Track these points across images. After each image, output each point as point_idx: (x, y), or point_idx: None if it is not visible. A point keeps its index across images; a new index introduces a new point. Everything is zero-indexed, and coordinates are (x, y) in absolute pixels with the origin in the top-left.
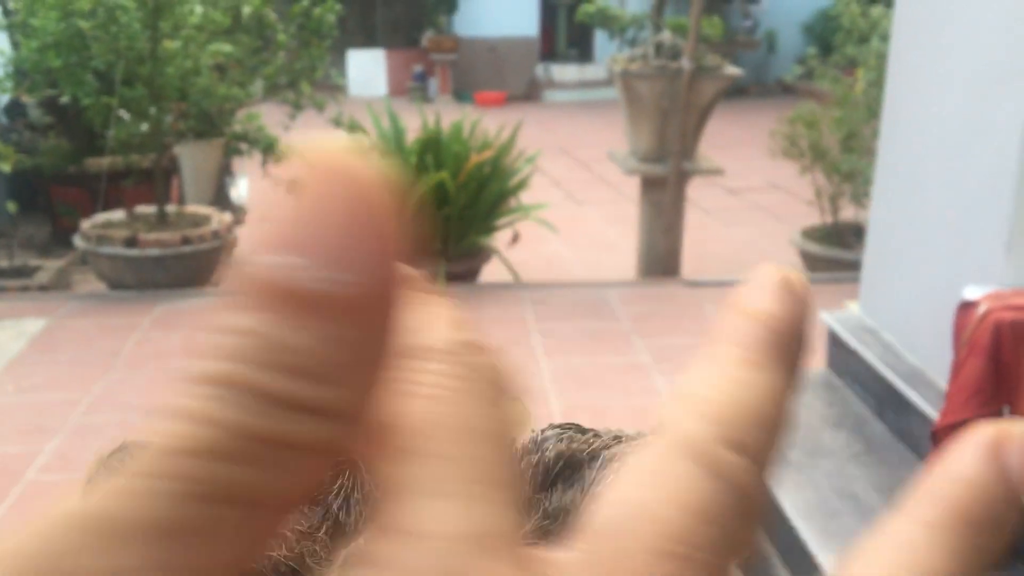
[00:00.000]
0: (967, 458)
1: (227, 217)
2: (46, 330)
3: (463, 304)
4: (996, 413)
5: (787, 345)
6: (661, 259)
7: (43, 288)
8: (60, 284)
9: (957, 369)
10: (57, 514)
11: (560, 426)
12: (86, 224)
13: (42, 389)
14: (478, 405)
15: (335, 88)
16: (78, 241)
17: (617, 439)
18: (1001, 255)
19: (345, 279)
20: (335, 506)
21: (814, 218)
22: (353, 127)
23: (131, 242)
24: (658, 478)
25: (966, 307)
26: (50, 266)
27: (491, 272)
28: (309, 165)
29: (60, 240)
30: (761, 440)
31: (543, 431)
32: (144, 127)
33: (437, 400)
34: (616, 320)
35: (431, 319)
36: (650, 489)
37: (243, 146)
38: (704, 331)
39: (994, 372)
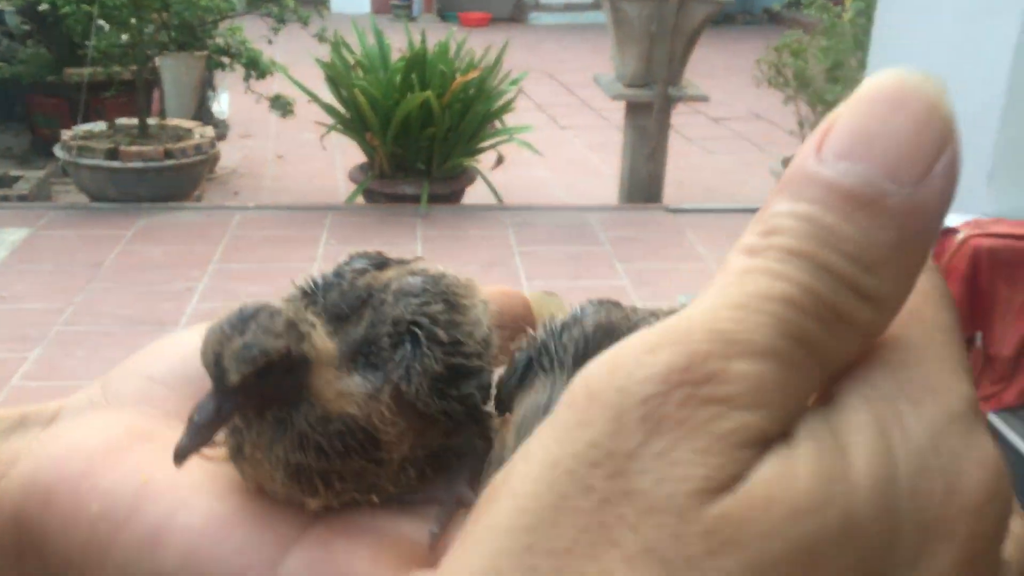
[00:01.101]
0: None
1: (209, 131)
2: (27, 240)
3: (446, 225)
4: (969, 339)
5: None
6: (643, 185)
7: (23, 198)
8: (41, 195)
9: None
10: None
11: (599, 301)
12: (67, 135)
13: (25, 298)
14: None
15: (318, 2)
16: (59, 152)
17: (654, 315)
18: (983, 184)
19: (898, 190)
20: (396, 375)
21: (795, 148)
22: (338, 43)
23: (112, 154)
24: None
25: (946, 234)
26: (30, 176)
27: (475, 194)
28: (880, 83)
29: (39, 151)
30: None
31: (582, 306)
32: (125, 37)
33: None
34: (598, 244)
35: None
36: None
37: (225, 60)
38: (684, 257)
39: (969, 298)
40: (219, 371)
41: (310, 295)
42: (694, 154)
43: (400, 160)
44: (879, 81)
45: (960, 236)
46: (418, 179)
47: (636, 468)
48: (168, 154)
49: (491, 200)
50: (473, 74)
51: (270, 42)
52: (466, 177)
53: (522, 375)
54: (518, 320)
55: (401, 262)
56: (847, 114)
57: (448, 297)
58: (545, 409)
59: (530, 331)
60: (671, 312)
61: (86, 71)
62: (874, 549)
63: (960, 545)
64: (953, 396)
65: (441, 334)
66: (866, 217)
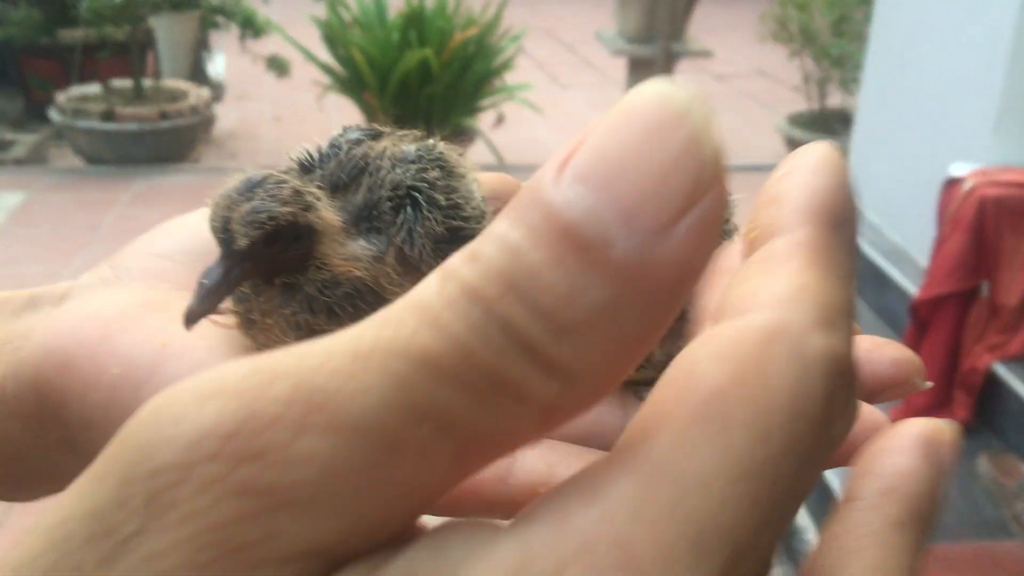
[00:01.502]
0: (906, 455)
1: (205, 92)
2: (24, 204)
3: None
4: (975, 287)
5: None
6: None
7: (19, 162)
8: (36, 158)
9: (940, 244)
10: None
11: None
12: (61, 97)
13: (22, 261)
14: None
15: None
16: (53, 114)
17: None
18: (989, 133)
19: (627, 239)
20: (399, 239)
21: (800, 105)
22: (335, 1)
23: (108, 116)
24: None
25: (952, 184)
26: (25, 140)
27: (475, 154)
28: (638, 98)
29: (34, 114)
30: None
31: None
32: None
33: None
34: None
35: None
36: None
37: (220, 19)
38: None
39: (976, 247)
40: (227, 236)
41: (308, 167)
42: None
43: (399, 119)
44: (637, 96)
45: (967, 186)
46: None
47: (122, 566)
48: (164, 116)
49: (492, 160)
50: (472, 31)
51: (265, 1)
52: (466, 137)
53: None
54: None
55: (394, 132)
56: (602, 127)
57: (443, 164)
58: None
59: None
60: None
61: (79, 33)
62: None
63: None
64: None
65: (440, 198)
66: (578, 265)
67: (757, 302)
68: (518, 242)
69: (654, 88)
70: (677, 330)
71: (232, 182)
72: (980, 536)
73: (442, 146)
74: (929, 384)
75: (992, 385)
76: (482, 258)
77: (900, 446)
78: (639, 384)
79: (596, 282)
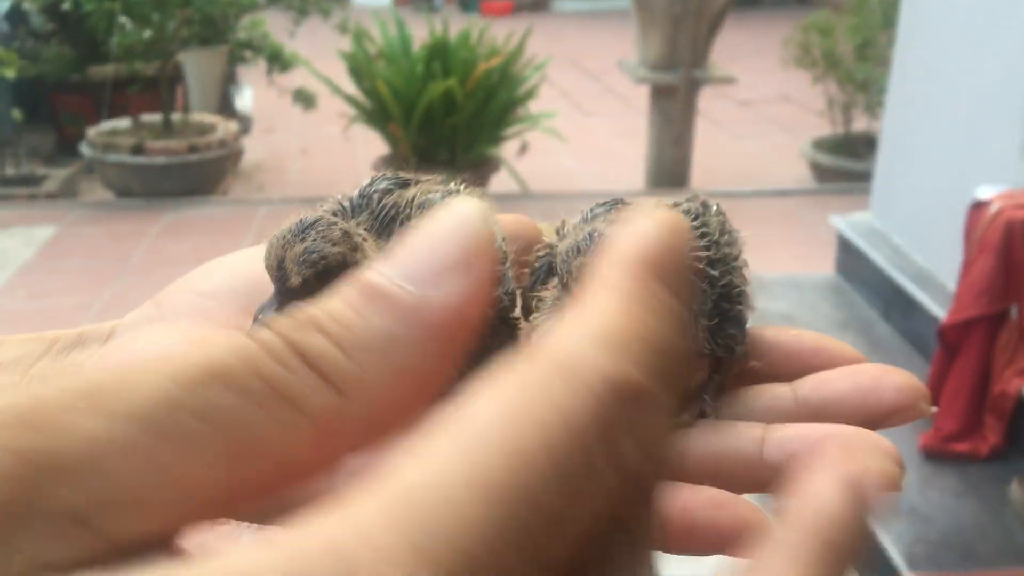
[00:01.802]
0: (827, 492)
1: (233, 126)
2: (55, 237)
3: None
4: (1004, 311)
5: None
6: (669, 170)
7: (51, 196)
8: (67, 192)
9: (967, 267)
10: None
11: (611, 201)
12: (92, 132)
13: (53, 295)
14: None
15: None
16: (84, 149)
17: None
18: (1015, 155)
19: (410, 288)
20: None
21: (825, 130)
22: (360, 34)
23: (137, 150)
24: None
25: (978, 207)
26: (57, 174)
27: (499, 183)
28: (439, 214)
29: (65, 149)
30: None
31: (592, 207)
32: (147, 34)
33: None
34: None
35: None
36: None
37: (247, 53)
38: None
39: (1004, 270)
40: (282, 274)
41: (342, 216)
42: (721, 138)
43: (423, 150)
44: (442, 209)
45: (993, 208)
46: (442, 169)
47: None
48: (192, 149)
49: (516, 189)
50: (496, 60)
51: (292, 35)
52: (490, 166)
53: (544, 279)
54: (530, 242)
55: (420, 180)
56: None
57: None
58: (555, 301)
59: (545, 239)
60: (690, 201)
61: (109, 68)
62: None
63: None
64: None
65: None
66: (365, 302)
67: (547, 345)
68: (328, 300)
69: (454, 204)
70: (695, 364)
71: (286, 224)
72: (1012, 563)
73: (464, 192)
74: (934, 409)
75: (1023, 409)
76: (296, 313)
77: (823, 477)
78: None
79: (378, 313)
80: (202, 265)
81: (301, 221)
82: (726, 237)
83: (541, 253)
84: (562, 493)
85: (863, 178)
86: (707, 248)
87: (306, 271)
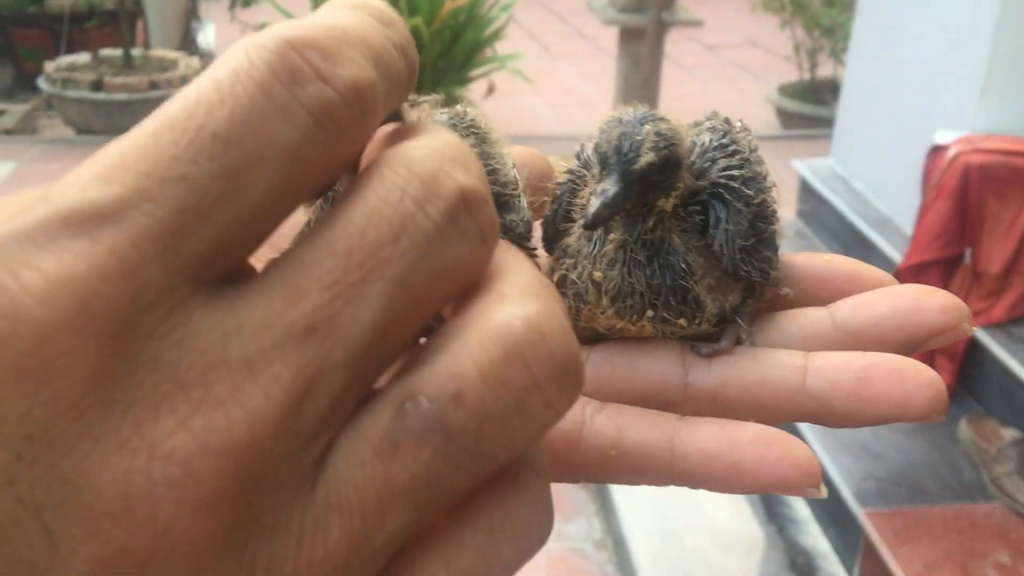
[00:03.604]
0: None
1: (195, 62)
2: (14, 174)
3: None
4: (958, 255)
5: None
6: None
7: (8, 132)
8: (26, 128)
9: (924, 211)
10: None
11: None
12: (50, 67)
13: None
14: None
15: None
16: (43, 84)
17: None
18: (975, 100)
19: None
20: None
21: (792, 76)
22: None
23: (97, 86)
24: None
25: (936, 151)
26: (14, 110)
27: None
28: None
29: (23, 84)
30: None
31: (608, 119)
32: None
33: None
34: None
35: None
36: None
37: None
38: None
39: (960, 214)
40: (627, 156)
41: None
42: (689, 82)
43: None
44: None
45: (951, 153)
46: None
47: None
48: (154, 85)
49: None
50: (462, 0)
51: None
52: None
53: (567, 206)
54: (540, 175)
55: (418, 100)
56: None
57: (476, 131)
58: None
59: (562, 163)
60: (712, 119)
61: (67, 1)
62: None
63: None
64: (41, 206)
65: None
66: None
67: None
68: None
69: None
70: (729, 286)
71: (618, 113)
72: (960, 500)
73: (472, 112)
74: (975, 330)
75: (974, 351)
76: None
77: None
78: (695, 339)
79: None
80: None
81: (637, 112)
82: (755, 155)
83: (562, 180)
84: (235, 123)
85: (829, 124)
86: (740, 166)
87: (653, 156)
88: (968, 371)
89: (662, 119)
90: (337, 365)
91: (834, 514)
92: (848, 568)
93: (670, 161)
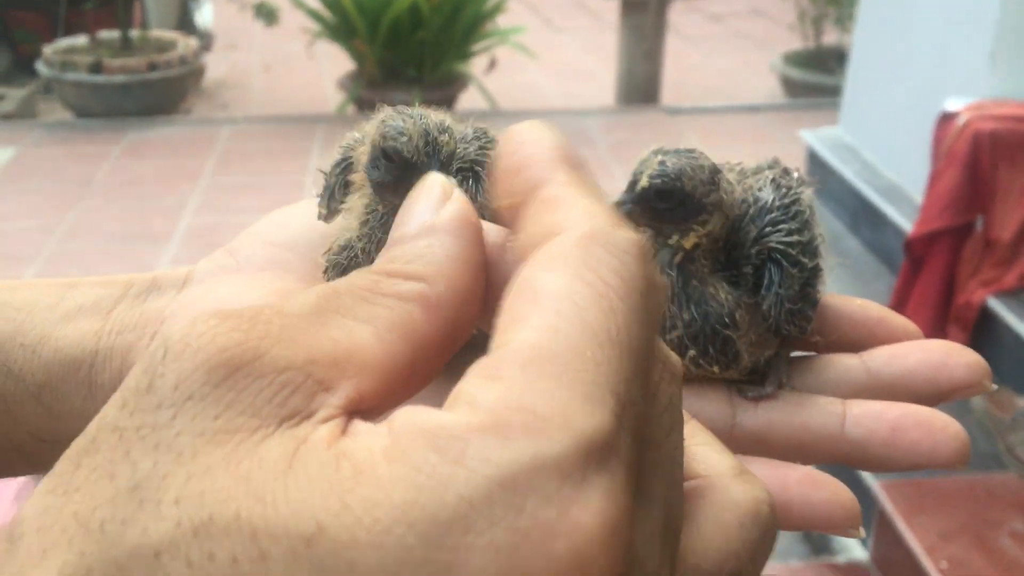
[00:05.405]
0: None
1: (193, 43)
2: (14, 159)
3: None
4: (970, 223)
5: None
6: (640, 86)
7: (7, 117)
8: (25, 113)
9: (934, 179)
10: None
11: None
12: (48, 50)
13: (16, 217)
14: None
15: None
16: (41, 68)
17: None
18: (985, 65)
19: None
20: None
21: (796, 44)
22: None
23: (96, 68)
24: None
25: (947, 118)
26: (13, 94)
27: (468, 100)
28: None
29: (21, 68)
30: None
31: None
32: None
33: None
34: (595, 147)
35: None
36: None
37: None
38: None
39: (970, 182)
40: (632, 179)
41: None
42: (692, 54)
43: (390, 66)
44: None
45: (961, 120)
46: (409, 86)
47: None
48: (152, 67)
49: (485, 106)
50: None
51: None
52: (458, 83)
53: None
54: None
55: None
56: None
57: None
58: None
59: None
60: (772, 169)
61: None
62: None
63: None
64: (558, 434)
65: None
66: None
67: (560, 228)
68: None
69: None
70: (769, 342)
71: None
72: (974, 469)
73: (487, 128)
74: (995, 387)
75: (986, 319)
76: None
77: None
78: (738, 383)
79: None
80: (272, 214)
81: (680, 149)
82: (816, 216)
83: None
84: (646, 330)
85: (834, 92)
86: (800, 230)
87: (657, 184)
88: (981, 340)
89: (688, 156)
90: None
91: (848, 484)
92: (862, 538)
93: (674, 194)
